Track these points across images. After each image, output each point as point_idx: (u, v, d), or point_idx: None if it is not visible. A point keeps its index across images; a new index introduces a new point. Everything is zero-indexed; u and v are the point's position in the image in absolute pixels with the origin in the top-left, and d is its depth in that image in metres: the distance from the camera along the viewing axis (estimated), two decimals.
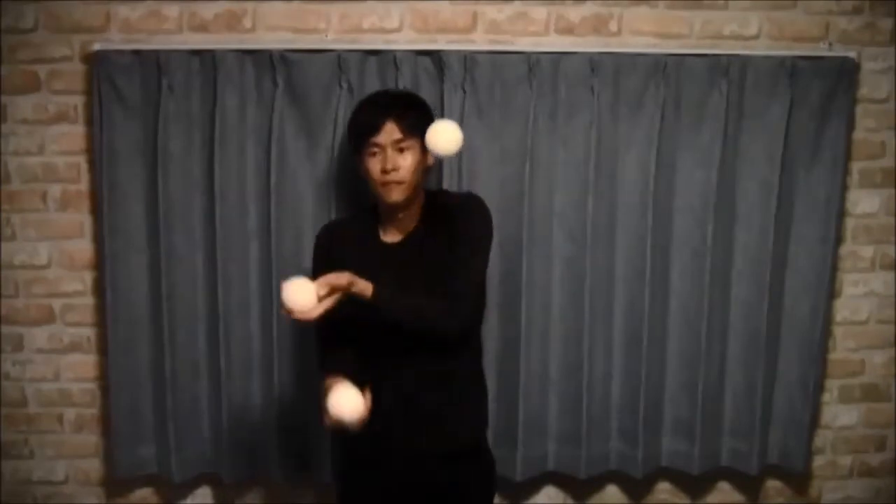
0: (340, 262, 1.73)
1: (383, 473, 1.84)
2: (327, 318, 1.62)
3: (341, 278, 1.60)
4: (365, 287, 1.64)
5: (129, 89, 2.13)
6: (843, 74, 2.22)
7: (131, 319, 2.23)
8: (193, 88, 2.14)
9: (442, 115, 2.06)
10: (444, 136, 1.66)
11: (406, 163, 1.74)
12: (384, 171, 1.73)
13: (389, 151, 1.73)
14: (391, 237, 1.83)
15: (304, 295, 1.57)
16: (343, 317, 1.75)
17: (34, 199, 2.26)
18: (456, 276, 1.74)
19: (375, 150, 1.75)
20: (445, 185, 2.14)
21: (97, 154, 2.15)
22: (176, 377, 2.24)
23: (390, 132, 1.73)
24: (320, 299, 1.57)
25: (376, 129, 1.73)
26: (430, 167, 1.85)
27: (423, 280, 1.75)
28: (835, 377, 2.46)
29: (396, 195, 1.75)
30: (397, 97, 1.85)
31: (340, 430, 1.61)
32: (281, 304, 1.58)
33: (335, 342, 1.82)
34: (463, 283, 1.75)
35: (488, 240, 1.82)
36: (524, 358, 2.24)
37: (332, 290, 1.59)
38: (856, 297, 2.43)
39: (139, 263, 2.22)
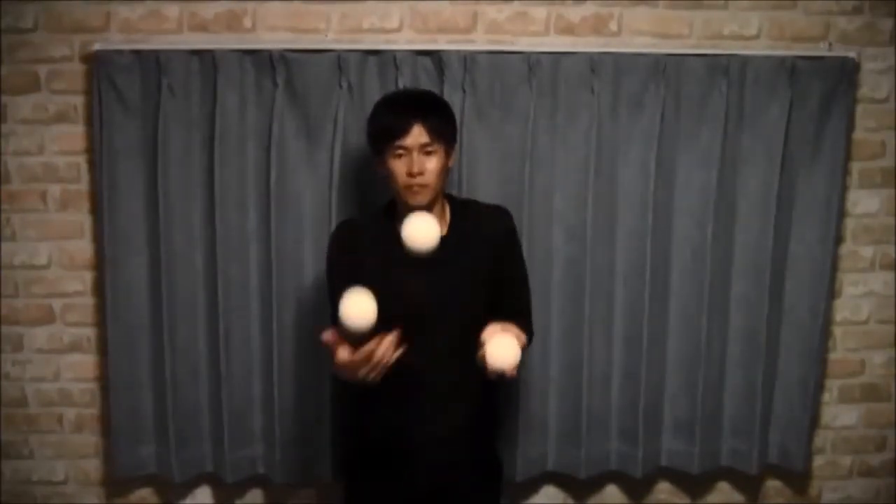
0: (361, 258, 1.76)
1: (394, 477, 1.83)
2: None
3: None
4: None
5: (129, 89, 2.13)
6: (843, 74, 2.22)
7: (131, 319, 2.23)
8: (193, 88, 2.14)
9: None
10: (420, 233, 1.63)
11: (432, 166, 1.71)
12: (410, 175, 1.70)
13: (416, 154, 1.70)
14: None
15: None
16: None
17: (34, 199, 2.26)
18: (526, 294, 1.92)
19: (401, 152, 1.71)
20: None
21: (97, 154, 2.15)
22: (176, 377, 2.24)
23: (418, 135, 1.70)
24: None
25: (404, 131, 1.70)
26: (451, 169, 1.84)
27: (455, 282, 1.77)
28: (835, 377, 2.46)
29: (421, 198, 1.72)
30: (423, 99, 1.82)
31: (352, 339, 1.59)
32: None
33: None
34: (528, 302, 1.94)
35: None
36: (524, 358, 2.23)
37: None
38: (856, 297, 2.43)
39: (139, 263, 2.22)
